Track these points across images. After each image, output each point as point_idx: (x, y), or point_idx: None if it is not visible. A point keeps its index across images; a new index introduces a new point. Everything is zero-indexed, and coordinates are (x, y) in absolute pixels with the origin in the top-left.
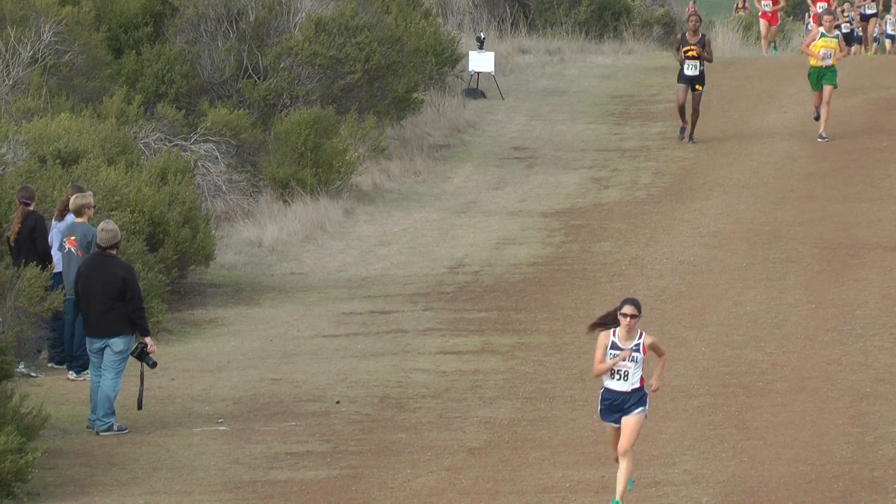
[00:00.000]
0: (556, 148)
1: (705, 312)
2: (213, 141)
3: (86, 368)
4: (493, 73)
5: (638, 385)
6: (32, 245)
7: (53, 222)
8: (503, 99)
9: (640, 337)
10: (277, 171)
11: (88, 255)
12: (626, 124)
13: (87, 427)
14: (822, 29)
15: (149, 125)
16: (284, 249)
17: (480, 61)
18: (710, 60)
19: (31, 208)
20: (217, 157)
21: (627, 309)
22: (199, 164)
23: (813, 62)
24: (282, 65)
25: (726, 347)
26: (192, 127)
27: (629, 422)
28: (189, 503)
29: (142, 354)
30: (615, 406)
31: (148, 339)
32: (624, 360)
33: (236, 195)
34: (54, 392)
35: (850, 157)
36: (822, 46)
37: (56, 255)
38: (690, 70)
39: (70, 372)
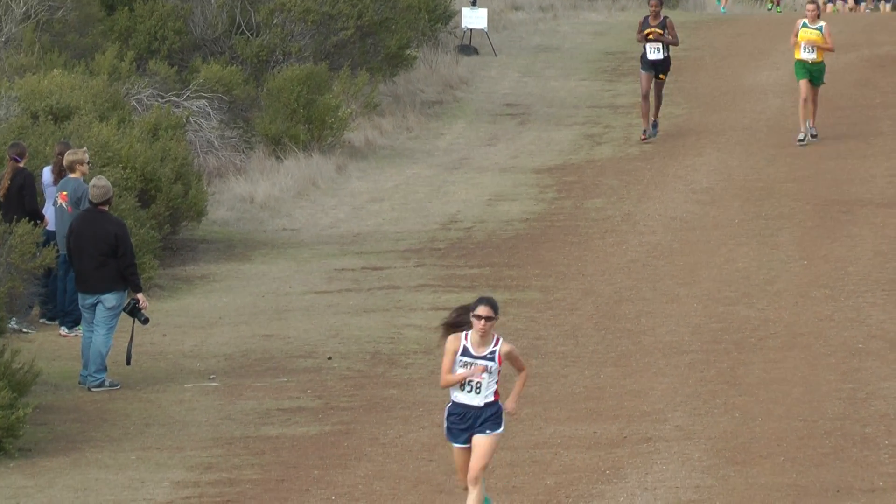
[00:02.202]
0: (548, 104)
1: (697, 269)
2: (205, 97)
3: (78, 324)
4: (485, 30)
5: (492, 399)
6: (21, 202)
7: (50, 182)
8: (496, 55)
9: (496, 343)
10: (270, 128)
11: (80, 211)
12: (618, 81)
13: (79, 383)
14: (804, 20)
15: (141, 81)
16: (276, 206)
17: (473, 18)
18: (675, 43)
19: (22, 165)
20: (209, 114)
21: (482, 309)
22: (192, 120)
23: (797, 54)
24: (274, 21)
25: (718, 304)
26: (184, 83)
27: (482, 443)
28: (181, 459)
29: (134, 310)
30: (465, 422)
31: (140, 295)
32: (474, 374)
33: (228, 151)
34: (46, 348)
35: (842, 114)
36: (804, 38)
37: (49, 210)
38: (653, 54)
39: (62, 328)
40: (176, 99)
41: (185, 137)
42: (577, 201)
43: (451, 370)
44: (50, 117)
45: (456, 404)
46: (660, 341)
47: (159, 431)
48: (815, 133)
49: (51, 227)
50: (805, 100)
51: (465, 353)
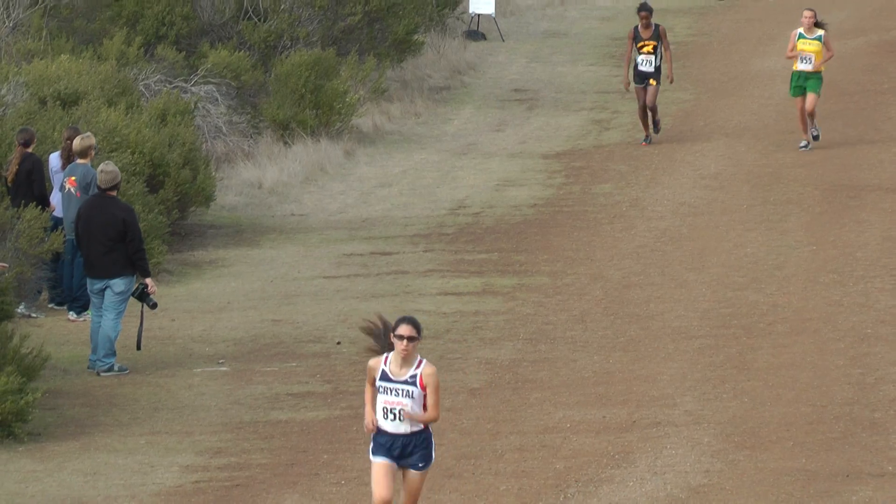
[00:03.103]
0: (556, 90)
1: (706, 254)
2: (213, 83)
3: (86, 309)
4: (493, 15)
5: (420, 427)
6: (29, 188)
7: (58, 167)
8: (503, 41)
9: (418, 366)
10: (278, 113)
11: (88, 196)
12: None
13: (88, 368)
14: (800, 29)
15: (149, 67)
16: (285, 191)
17: (481, 3)
18: (668, 52)
19: (30, 150)
20: (217, 99)
21: (404, 329)
22: (200, 105)
23: (795, 65)
24: (282, 6)
25: (727, 289)
26: (192, 69)
27: (413, 480)
28: (190, 443)
29: (142, 295)
30: (394, 449)
31: (148, 280)
32: (388, 394)
33: (237, 137)
34: (55, 333)
35: (850, 100)
36: (800, 49)
37: (56, 196)
38: (645, 66)
39: (70, 313)
40: (184, 84)
41: (194, 123)
42: (585, 186)
43: (373, 400)
44: (58, 102)
45: (381, 433)
46: (668, 326)
47: (168, 416)
48: (816, 133)
49: (58, 212)
50: (802, 110)
51: (384, 377)
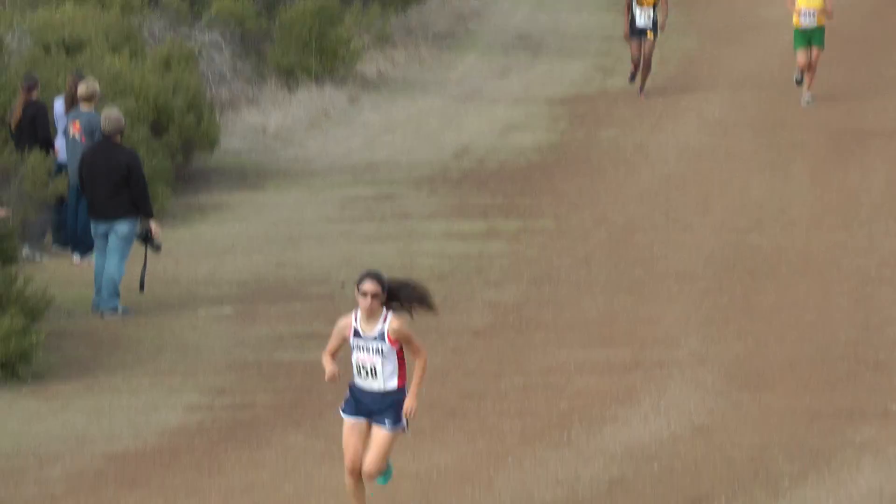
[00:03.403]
0: (560, 36)
1: (710, 198)
2: (217, 30)
3: (90, 251)
4: None
5: (395, 387)
6: (34, 133)
7: (62, 113)
8: None
9: (384, 321)
10: (282, 60)
11: (93, 142)
12: None
13: (92, 309)
14: None
15: (153, 14)
16: (289, 136)
17: None
18: (666, 5)
19: (34, 96)
20: (222, 46)
21: (367, 285)
22: (204, 52)
23: (796, 21)
24: None
25: (731, 232)
26: (196, 16)
27: (379, 437)
28: (194, 383)
29: (146, 238)
30: (364, 405)
31: (152, 223)
32: (360, 351)
33: (241, 83)
34: (59, 275)
35: (855, 46)
36: (803, 4)
37: (60, 141)
38: (643, 20)
39: (75, 255)
40: (188, 31)
41: (198, 69)
42: (589, 132)
43: (335, 352)
44: (62, 49)
45: (355, 388)
46: (673, 269)
47: (172, 356)
48: (809, 99)
49: (61, 157)
50: (802, 69)
51: (356, 334)
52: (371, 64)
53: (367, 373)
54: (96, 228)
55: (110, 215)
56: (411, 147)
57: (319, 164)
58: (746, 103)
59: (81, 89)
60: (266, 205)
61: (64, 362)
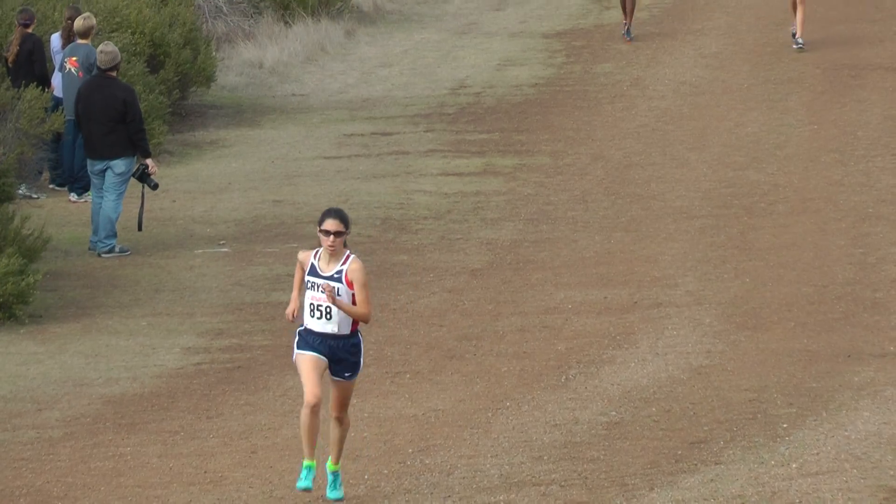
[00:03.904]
0: None
1: (707, 133)
2: None
3: (87, 190)
4: None
5: (349, 330)
6: (30, 68)
7: (59, 47)
8: None
9: (345, 261)
10: None
11: (88, 77)
12: None
13: (89, 249)
14: None
15: None
16: (285, 71)
17: None
18: None
19: (31, 31)
20: None
21: (329, 223)
22: None
23: None
24: None
25: (728, 168)
26: None
27: (341, 390)
28: (191, 324)
29: (143, 176)
30: (321, 346)
31: (149, 161)
32: (315, 290)
33: (237, 17)
34: (56, 214)
35: None
36: None
37: (57, 76)
38: None
39: (71, 194)
40: None
41: (194, 3)
42: (586, 66)
43: (300, 285)
44: None
45: (309, 332)
46: (670, 206)
47: (170, 297)
48: (801, 42)
49: (58, 93)
50: (794, 4)
51: (313, 271)
52: None
53: (321, 314)
54: (93, 166)
55: (107, 154)
56: (408, 82)
57: (316, 100)
58: (743, 36)
59: (77, 24)
60: (263, 141)
61: (61, 303)
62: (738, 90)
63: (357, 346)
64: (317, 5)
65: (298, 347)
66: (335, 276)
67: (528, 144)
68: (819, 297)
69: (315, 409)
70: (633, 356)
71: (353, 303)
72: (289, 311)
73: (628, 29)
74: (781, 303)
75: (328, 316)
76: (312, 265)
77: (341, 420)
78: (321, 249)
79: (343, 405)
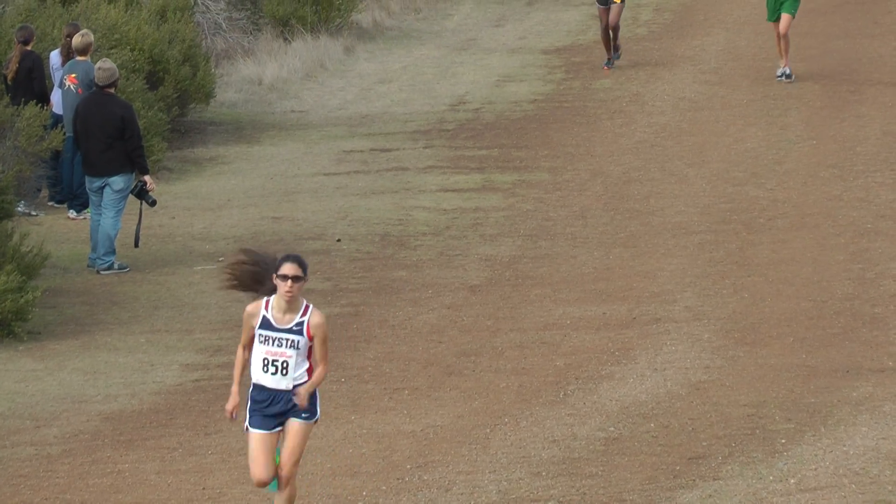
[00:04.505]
0: None
1: (706, 149)
2: None
3: (86, 207)
4: None
5: (304, 380)
6: (30, 86)
7: (58, 64)
8: None
9: (304, 312)
10: (277, 10)
11: (87, 93)
12: None
13: (88, 266)
14: None
15: None
16: (285, 87)
17: None
18: None
19: (30, 48)
20: None
21: (288, 268)
22: (199, 2)
23: None
24: None
25: (727, 184)
26: None
27: (295, 430)
28: (190, 341)
29: (141, 192)
30: (273, 406)
31: (147, 178)
32: (270, 344)
33: (236, 33)
34: (55, 231)
35: None
36: None
37: (56, 93)
38: None
39: (70, 211)
40: None
41: (193, 19)
42: (585, 82)
43: (250, 346)
44: (58, 0)
45: (260, 389)
46: (669, 222)
47: (168, 314)
48: (789, 73)
49: (57, 109)
50: (778, 35)
51: (267, 325)
52: (366, 13)
53: (277, 369)
54: (91, 183)
55: (105, 170)
56: (407, 98)
57: (315, 117)
58: (742, 51)
59: (76, 41)
60: (262, 158)
61: (60, 320)
62: (738, 106)
63: (313, 395)
64: (316, 22)
65: (250, 422)
66: (295, 328)
67: (527, 160)
68: (818, 312)
69: (263, 485)
70: (631, 372)
71: (309, 355)
72: (229, 407)
73: (610, 59)
74: (780, 318)
75: (283, 371)
76: (265, 318)
77: (287, 483)
78: (273, 299)
79: (295, 456)
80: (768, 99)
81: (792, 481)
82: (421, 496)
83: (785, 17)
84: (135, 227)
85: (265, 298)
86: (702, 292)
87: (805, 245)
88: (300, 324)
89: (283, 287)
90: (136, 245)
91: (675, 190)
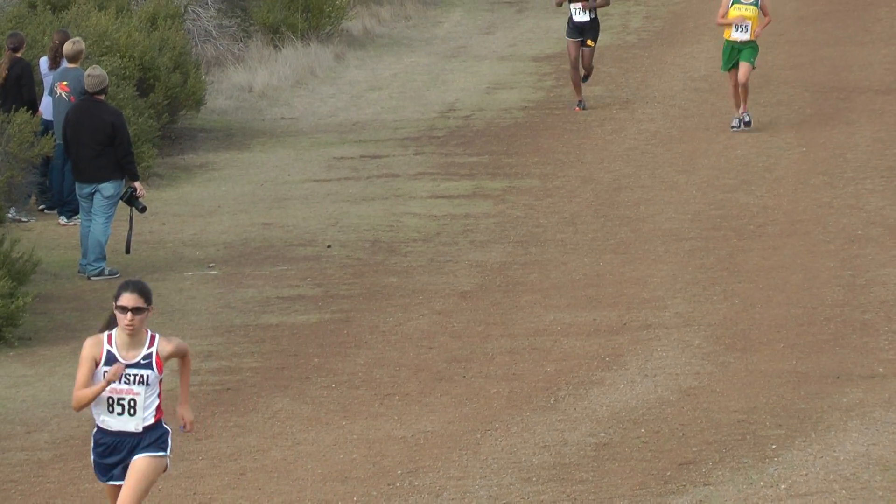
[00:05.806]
0: None
1: (696, 156)
2: None
3: (76, 214)
4: None
5: (152, 421)
6: (19, 93)
7: (47, 70)
8: None
9: (151, 343)
10: (268, 17)
11: (77, 100)
12: None
13: (79, 272)
14: None
15: None
16: (275, 94)
17: None
18: (605, 4)
19: (20, 55)
20: (207, 3)
21: (126, 298)
22: (189, 9)
23: (727, 34)
24: None
25: (717, 191)
26: None
27: (139, 465)
28: None
29: (131, 199)
30: (118, 453)
31: (137, 184)
32: (116, 381)
33: (227, 41)
34: (45, 237)
35: (840, 1)
36: (735, 14)
37: (46, 100)
38: (579, 16)
39: (61, 217)
40: None
41: (184, 27)
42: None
43: (90, 384)
44: (48, 7)
45: (104, 432)
46: (659, 228)
47: (159, 320)
48: (748, 120)
49: (47, 116)
50: (735, 85)
51: (111, 360)
52: (357, 21)
53: (123, 409)
54: (81, 189)
55: (95, 177)
56: (397, 105)
57: (305, 123)
58: None
59: (67, 48)
60: (252, 165)
61: (51, 326)
62: (728, 113)
63: (164, 433)
64: (306, 29)
65: (98, 471)
66: (143, 362)
67: (518, 167)
68: (808, 318)
69: None
70: (622, 378)
71: (160, 387)
72: (114, 372)
73: (581, 100)
74: (770, 324)
75: (132, 411)
76: (110, 353)
77: None
78: (115, 332)
79: (136, 492)
80: (758, 106)
81: (782, 487)
82: (412, 502)
83: (744, 65)
84: (126, 233)
85: (106, 332)
86: (692, 298)
87: (795, 252)
88: (148, 356)
89: (123, 319)
90: (128, 251)
91: (666, 196)
